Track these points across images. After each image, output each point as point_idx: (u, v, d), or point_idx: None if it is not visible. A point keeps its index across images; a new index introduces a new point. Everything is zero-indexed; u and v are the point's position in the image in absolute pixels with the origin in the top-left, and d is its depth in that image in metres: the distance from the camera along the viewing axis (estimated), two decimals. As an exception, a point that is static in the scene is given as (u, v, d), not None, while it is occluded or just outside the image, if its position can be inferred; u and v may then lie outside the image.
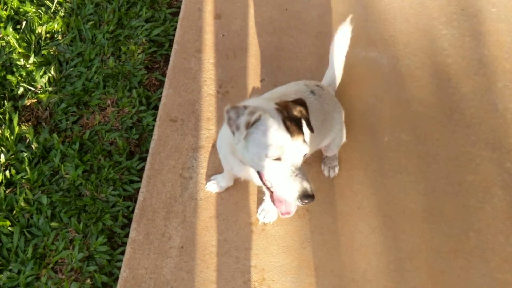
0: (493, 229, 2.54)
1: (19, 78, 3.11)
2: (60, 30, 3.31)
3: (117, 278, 2.49)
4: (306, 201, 1.69)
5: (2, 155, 2.81)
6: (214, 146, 2.79)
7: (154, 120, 2.96)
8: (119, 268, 2.52)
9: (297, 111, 1.80)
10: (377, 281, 2.41)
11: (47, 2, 3.41)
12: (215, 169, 2.72)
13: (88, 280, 2.49)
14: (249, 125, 1.69)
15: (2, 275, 2.48)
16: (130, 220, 2.67)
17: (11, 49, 3.22)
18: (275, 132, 1.69)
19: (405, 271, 2.44)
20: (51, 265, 2.53)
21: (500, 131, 2.81)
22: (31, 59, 3.15)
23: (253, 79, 3.00)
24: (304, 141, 1.73)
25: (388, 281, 2.41)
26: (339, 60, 2.65)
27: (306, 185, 1.70)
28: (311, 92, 2.26)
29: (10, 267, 2.52)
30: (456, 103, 2.91)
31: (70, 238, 2.61)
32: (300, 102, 1.86)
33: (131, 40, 3.27)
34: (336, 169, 2.66)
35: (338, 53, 2.62)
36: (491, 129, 2.82)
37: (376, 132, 2.82)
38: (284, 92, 2.20)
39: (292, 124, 1.73)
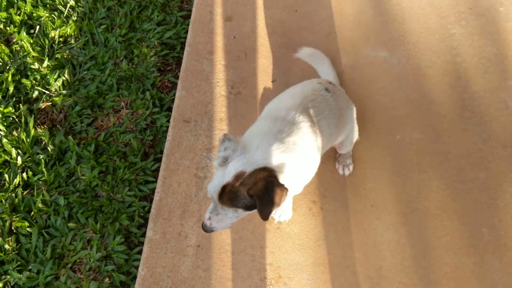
0: (505, 225, 2.56)
1: (34, 81, 3.15)
2: (73, 34, 3.36)
3: (134, 277, 2.52)
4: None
5: (19, 158, 2.85)
6: (227, 146, 2.82)
7: (168, 121, 3.00)
8: (136, 267, 2.56)
9: (247, 190, 1.82)
10: (392, 278, 2.44)
11: (60, 7, 3.46)
12: (229, 169, 2.75)
13: (107, 279, 2.52)
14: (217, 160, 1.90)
15: (21, 275, 2.51)
16: (146, 220, 2.70)
17: (25, 53, 3.26)
18: (212, 187, 1.89)
19: (419, 268, 2.46)
20: (69, 265, 2.57)
21: (510, 128, 2.84)
22: (45, 63, 3.20)
23: (265, 80, 3.04)
24: (233, 209, 1.89)
25: (403, 278, 2.43)
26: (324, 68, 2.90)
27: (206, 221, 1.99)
28: (325, 89, 2.30)
29: (30, 267, 2.55)
30: (466, 101, 2.94)
31: (87, 238, 2.64)
32: (261, 189, 1.81)
33: (143, 43, 3.31)
34: (351, 167, 2.69)
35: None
36: (502, 126, 2.85)
37: (388, 130, 2.85)
38: (301, 92, 2.23)
39: (227, 195, 1.84)
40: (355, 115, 2.56)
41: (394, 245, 2.52)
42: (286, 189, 1.81)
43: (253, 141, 1.92)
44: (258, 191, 1.78)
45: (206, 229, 2.00)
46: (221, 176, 1.85)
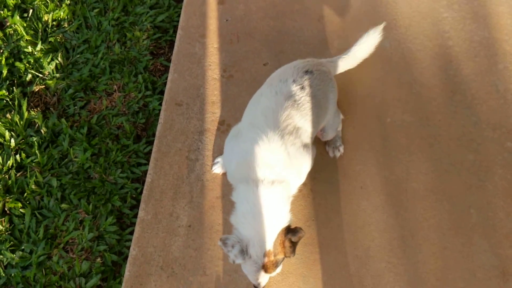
0: (494, 207, 2.59)
1: (27, 65, 3.17)
2: (66, 17, 3.36)
3: (126, 257, 2.55)
4: None
5: (13, 140, 2.88)
6: (219, 129, 2.84)
7: (160, 104, 3.01)
8: (128, 248, 2.59)
9: (284, 255, 2.12)
10: (380, 257, 2.47)
11: (53, -10, 3.46)
12: (220, 151, 2.77)
13: (99, 259, 2.56)
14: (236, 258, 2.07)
15: (14, 255, 2.55)
16: (138, 201, 2.73)
17: (18, 37, 3.27)
18: (252, 273, 2.13)
19: (407, 248, 2.49)
20: (62, 245, 2.60)
21: (500, 111, 2.85)
22: (39, 46, 3.21)
23: (257, 63, 3.05)
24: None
25: (391, 257, 2.47)
26: (357, 56, 2.77)
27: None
28: (306, 72, 2.33)
29: (23, 247, 2.59)
30: (457, 84, 2.95)
31: (80, 219, 2.67)
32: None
33: (136, 26, 3.32)
34: (341, 149, 2.71)
35: (359, 51, 2.75)
36: (492, 109, 2.86)
37: (378, 113, 2.87)
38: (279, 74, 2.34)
39: (271, 268, 2.10)
40: (336, 99, 2.56)
41: (382, 225, 2.55)
42: (300, 228, 2.09)
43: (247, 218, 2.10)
44: (291, 250, 2.08)
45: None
46: (253, 265, 2.08)
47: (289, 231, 2.08)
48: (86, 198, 2.74)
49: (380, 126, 2.83)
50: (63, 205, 2.69)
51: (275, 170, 2.11)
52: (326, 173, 2.68)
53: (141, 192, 2.74)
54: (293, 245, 2.08)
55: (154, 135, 2.93)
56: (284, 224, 2.10)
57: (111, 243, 2.61)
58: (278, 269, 2.15)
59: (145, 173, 2.82)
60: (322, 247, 2.50)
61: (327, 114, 2.46)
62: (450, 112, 2.86)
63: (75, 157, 2.85)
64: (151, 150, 2.85)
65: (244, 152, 2.16)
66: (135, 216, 2.69)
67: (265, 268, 2.07)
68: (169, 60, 3.20)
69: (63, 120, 2.95)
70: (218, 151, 2.78)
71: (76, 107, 3.04)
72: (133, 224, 2.67)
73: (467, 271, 2.43)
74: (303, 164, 2.27)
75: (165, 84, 3.08)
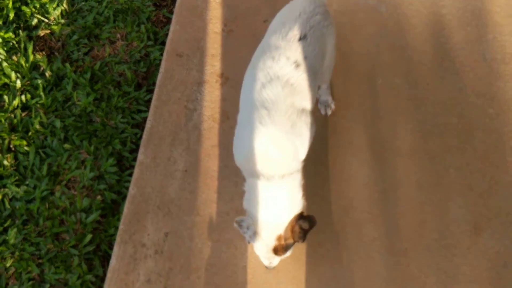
0: (472, 168, 2.75)
1: (33, 9, 3.25)
2: (72, -36, 3.43)
3: (125, 197, 2.71)
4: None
5: (18, 81, 2.99)
6: (217, 81, 2.97)
7: (161, 55, 3.12)
8: (127, 188, 2.75)
9: (293, 241, 2.18)
10: (362, 208, 2.64)
11: None
12: (218, 103, 2.91)
13: (99, 197, 2.72)
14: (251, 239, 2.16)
15: (19, 189, 2.70)
16: (137, 146, 2.88)
17: (25, -19, 3.34)
18: (263, 254, 2.22)
19: (388, 201, 2.67)
20: (64, 182, 2.76)
21: (486, 79, 2.99)
22: (45, -8, 3.29)
23: (257, 20, 3.15)
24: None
25: (372, 209, 2.64)
26: None
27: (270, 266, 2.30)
28: (300, 39, 2.22)
29: (27, 182, 2.74)
30: (447, 51, 3.08)
31: (82, 159, 2.82)
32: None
33: (141, -23, 3.40)
34: (332, 105, 2.84)
35: None
36: (478, 77, 3.00)
37: (370, 75, 3.00)
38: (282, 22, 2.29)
39: (281, 251, 2.17)
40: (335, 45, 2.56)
41: (366, 180, 2.72)
42: (312, 216, 2.16)
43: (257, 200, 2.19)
44: (300, 236, 2.13)
45: (270, 268, 2.32)
46: (264, 246, 2.15)
47: (301, 217, 2.14)
48: (88, 140, 2.88)
49: (371, 86, 2.97)
50: (66, 145, 2.83)
51: (284, 165, 2.15)
52: (316, 129, 2.83)
53: (140, 137, 2.88)
54: (304, 231, 2.13)
55: (154, 84, 3.05)
56: (297, 211, 2.16)
57: (111, 183, 2.77)
58: (288, 253, 2.22)
59: (144, 119, 2.95)
60: (309, 196, 2.64)
61: (325, 65, 2.45)
62: (438, 77, 3.00)
63: (78, 101, 2.97)
64: (151, 98, 2.98)
65: (252, 148, 2.15)
66: (134, 159, 2.83)
67: (275, 250, 2.15)
68: (171, 12, 3.30)
69: (67, 64, 3.06)
70: (216, 102, 2.91)
71: (80, 53, 3.14)
72: (132, 167, 2.82)
73: (442, 224, 2.61)
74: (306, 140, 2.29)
75: (166, 35, 3.18)
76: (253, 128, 2.14)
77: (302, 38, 2.21)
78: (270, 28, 2.41)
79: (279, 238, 2.13)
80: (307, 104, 2.24)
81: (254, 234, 2.13)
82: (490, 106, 2.91)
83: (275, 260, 2.23)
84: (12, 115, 2.92)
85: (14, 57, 3.07)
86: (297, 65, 2.16)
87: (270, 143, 2.12)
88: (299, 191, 2.22)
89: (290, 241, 2.15)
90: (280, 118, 2.11)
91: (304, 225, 2.12)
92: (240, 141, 2.26)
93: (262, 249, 2.17)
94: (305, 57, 2.20)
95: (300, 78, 2.16)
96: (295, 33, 2.22)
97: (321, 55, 2.34)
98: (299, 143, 2.20)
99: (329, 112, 2.86)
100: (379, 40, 3.11)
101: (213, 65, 3.02)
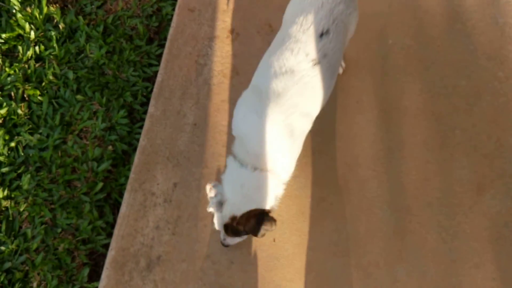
0: (478, 129, 2.78)
1: (47, -39, 3.26)
2: None
3: (135, 148, 2.78)
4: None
5: (32, 32, 3.03)
6: (228, 37, 2.99)
7: (173, 10, 3.14)
8: (137, 140, 2.81)
9: (243, 228, 2.16)
10: (367, 166, 2.69)
11: None
12: (228, 58, 2.93)
13: (110, 147, 2.78)
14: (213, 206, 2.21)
15: (33, 137, 2.77)
16: (148, 99, 2.93)
17: None
18: (217, 226, 2.26)
19: (393, 159, 2.71)
20: (76, 132, 2.82)
21: (497, 43, 2.99)
22: None
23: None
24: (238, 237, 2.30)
25: (377, 166, 2.69)
26: None
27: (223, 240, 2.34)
28: (321, 35, 2.12)
29: (40, 131, 2.81)
30: (460, 14, 3.07)
31: (93, 110, 2.88)
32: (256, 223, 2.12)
33: None
34: (343, 64, 2.86)
35: None
36: (489, 40, 3.00)
37: (381, 35, 3.01)
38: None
39: (230, 232, 2.22)
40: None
41: (372, 138, 2.76)
42: (275, 220, 2.10)
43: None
44: (251, 228, 2.10)
45: (224, 245, 2.36)
46: (220, 219, 2.19)
47: (263, 214, 2.10)
48: (100, 91, 2.93)
49: (382, 46, 2.97)
50: (78, 96, 2.89)
51: (260, 160, 2.12)
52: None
53: (151, 91, 2.93)
54: (257, 226, 2.08)
55: (165, 39, 3.08)
56: (261, 207, 2.13)
57: (122, 134, 2.83)
58: (237, 239, 2.30)
59: (155, 73, 2.99)
60: (315, 153, 2.72)
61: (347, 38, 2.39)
62: (449, 39, 2.99)
63: (91, 53, 3.01)
64: (162, 52, 3.01)
65: (239, 128, 2.18)
66: (145, 112, 2.88)
67: (225, 228, 2.19)
68: (184, -32, 3.29)
69: (80, 17, 3.09)
70: (227, 57, 2.93)
71: (93, 6, 3.17)
72: (143, 119, 2.88)
73: (445, 183, 2.66)
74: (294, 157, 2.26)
75: (179, -10, 3.19)
76: (248, 111, 2.13)
77: (325, 33, 2.11)
78: (288, 12, 2.29)
79: (232, 218, 2.14)
80: (314, 109, 2.21)
81: (218, 204, 2.17)
82: (500, 70, 2.91)
83: (228, 239, 2.29)
84: (26, 66, 2.97)
85: (28, 9, 3.10)
86: (315, 64, 2.09)
87: (256, 134, 2.09)
88: (270, 192, 2.16)
89: (241, 228, 2.14)
90: (279, 115, 2.07)
91: (258, 222, 2.08)
92: (235, 114, 2.23)
93: (217, 221, 2.23)
94: (325, 55, 2.12)
95: (316, 78, 2.10)
96: (316, 27, 2.11)
97: (341, 47, 2.27)
98: (281, 155, 2.17)
99: (341, 71, 2.88)
100: (391, 0, 3.10)
101: (224, 21, 3.03)
